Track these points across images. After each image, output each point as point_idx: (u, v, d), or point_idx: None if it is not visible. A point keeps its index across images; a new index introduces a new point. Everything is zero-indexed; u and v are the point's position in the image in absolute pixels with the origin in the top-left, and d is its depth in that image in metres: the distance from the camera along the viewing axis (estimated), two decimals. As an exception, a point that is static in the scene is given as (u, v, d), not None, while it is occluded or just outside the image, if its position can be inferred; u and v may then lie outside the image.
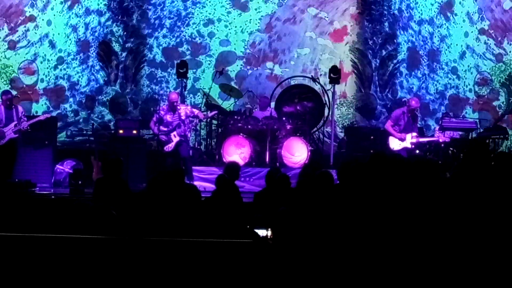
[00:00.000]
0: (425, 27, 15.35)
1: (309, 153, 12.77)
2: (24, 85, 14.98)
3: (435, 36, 15.30)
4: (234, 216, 7.35)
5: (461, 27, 15.16)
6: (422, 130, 13.97)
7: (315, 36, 15.59)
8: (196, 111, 12.60)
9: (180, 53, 15.41)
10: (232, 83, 15.00)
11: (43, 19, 15.01)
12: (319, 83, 14.72)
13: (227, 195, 8.10)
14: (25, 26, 14.95)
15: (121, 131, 13.51)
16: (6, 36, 14.87)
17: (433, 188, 5.46)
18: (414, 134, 12.45)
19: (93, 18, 15.23)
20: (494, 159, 5.86)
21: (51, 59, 15.12)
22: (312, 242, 4.90)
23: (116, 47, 15.38)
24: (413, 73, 15.45)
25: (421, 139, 12.58)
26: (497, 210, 5.01)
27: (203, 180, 12.22)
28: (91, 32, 15.24)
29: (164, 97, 14.88)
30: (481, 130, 13.77)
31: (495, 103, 15.08)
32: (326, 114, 14.60)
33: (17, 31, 14.93)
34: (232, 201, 8.10)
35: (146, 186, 8.84)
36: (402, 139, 12.34)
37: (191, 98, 15.26)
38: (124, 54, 15.40)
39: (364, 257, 4.72)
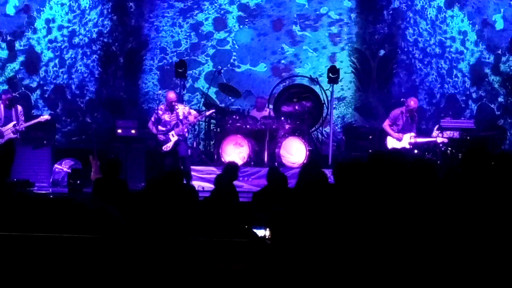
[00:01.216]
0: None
1: (307, 153, 12.78)
2: (23, 85, 14.99)
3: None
4: (233, 215, 7.36)
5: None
6: (421, 130, 13.96)
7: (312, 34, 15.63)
8: (192, 113, 12.52)
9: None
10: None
11: (41, 18, 15.01)
12: (317, 83, 14.72)
13: (226, 195, 8.11)
14: (23, 25, 14.96)
15: (119, 131, 13.52)
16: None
17: (431, 188, 5.46)
18: (413, 134, 12.45)
19: (92, 17, 15.22)
20: (495, 159, 5.85)
21: (50, 59, 15.11)
22: (310, 242, 4.90)
23: (115, 46, 15.37)
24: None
25: (419, 139, 12.57)
26: (498, 211, 5.00)
27: (202, 179, 12.24)
28: (90, 32, 15.23)
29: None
30: (480, 130, 13.77)
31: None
32: (324, 114, 14.61)
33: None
34: (232, 201, 8.11)
35: (144, 186, 8.86)
36: (399, 139, 12.34)
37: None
38: (123, 54, 15.40)
39: (362, 258, 4.72)
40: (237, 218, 7.22)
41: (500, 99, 15.04)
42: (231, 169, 8.96)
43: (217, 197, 8.01)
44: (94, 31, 15.25)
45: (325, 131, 14.83)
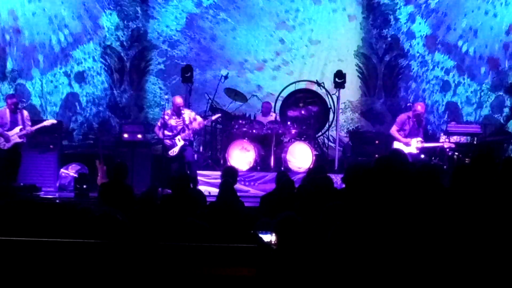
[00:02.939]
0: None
1: (314, 158, 12.76)
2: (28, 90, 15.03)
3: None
4: (239, 220, 7.35)
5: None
6: (428, 135, 13.92)
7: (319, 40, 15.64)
8: (197, 120, 12.45)
9: None
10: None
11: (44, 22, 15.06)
12: (324, 87, 14.70)
13: (231, 200, 8.09)
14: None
15: (126, 135, 13.52)
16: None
17: (436, 193, 5.45)
18: (420, 139, 12.39)
19: (99, 23, 15.24)
20: (502, 165, 5.84)
21: (55, 62, 15.15)
22: (316, 247, 4.89)
23: (121, 51, 15.38)
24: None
25: (426, 144, 12.52)
26: (505, 216, 4.99)
27: (208, 184, 12.22)
28: (96, 37, 15.24)
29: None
30: (486, 135, 13.74)
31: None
32: (331, 118, 14.59)
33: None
34: (237, 205, 8.09)
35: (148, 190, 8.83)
36: (408, 144, 12.28)
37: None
38: (129, 59, 15.40)
39: (369, 263, 4.70)
40: (243, 223, 7.21)
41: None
42: (230, 174, 8.93)
43: (223, 202, 8.00)
44: (100, 36, 15.26)
45: (331, 136, 14.80)
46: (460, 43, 15.08)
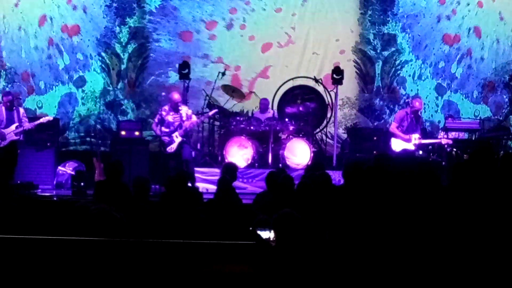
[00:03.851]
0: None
1: (312, 154, 12.75)
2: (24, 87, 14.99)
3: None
4: (237, 217, 7.32)
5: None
6: (426, 131, 13.89)
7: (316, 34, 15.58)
8: (193, 118, 12.40)
9: None
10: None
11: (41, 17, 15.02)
12: (321, 84, 14.67)
13: (229, 197, 8.07)
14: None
15: (123, 133, 13.49)
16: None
17: (436, 191, 5.44)
18: (417, 135, 12.37)
19: (95, 18, 15.19)
20: (501, 161, 5.83)
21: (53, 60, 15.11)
22: (314, 244, 4.87)
23: (118, 48, 15.33)
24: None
25: (424, 141, 12.50)
26: (504, 213, 4.97)
27: (206, 181, 12.20)
28: (93, 34, 15.20)
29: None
30: (485, 131, 13.73)
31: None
32: (328, 115, 14.57)
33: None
34: (235, 202, 8.07)
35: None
36: (408, 141, 12.25)
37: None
38: (126, 55, 15.35)
39: (367, 260, 4.69)
40: (241, 220, 7.19)
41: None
42: (230, 170, 8.89)
43: (220, 199, 7.98)
44: (97, 32, 15.21)
45: (329, 132, 14.78)
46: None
